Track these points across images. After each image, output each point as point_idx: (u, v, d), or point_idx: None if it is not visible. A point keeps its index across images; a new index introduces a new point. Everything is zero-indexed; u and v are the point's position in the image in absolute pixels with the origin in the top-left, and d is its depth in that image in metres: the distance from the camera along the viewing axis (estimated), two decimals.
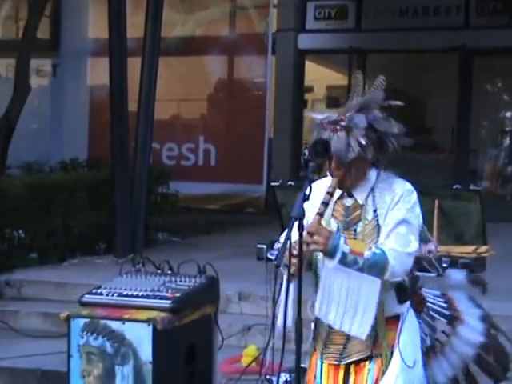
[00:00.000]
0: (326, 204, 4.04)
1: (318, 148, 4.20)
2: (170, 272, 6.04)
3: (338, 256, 3.96)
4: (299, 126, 15.70)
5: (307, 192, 3.97)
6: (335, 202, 4.19)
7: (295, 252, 3.93)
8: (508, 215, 13.04)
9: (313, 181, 4.12)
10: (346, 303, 4.09)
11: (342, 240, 3.97)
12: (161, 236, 11.97)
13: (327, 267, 4.03)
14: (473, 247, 8.24)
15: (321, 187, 4.17)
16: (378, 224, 4.15)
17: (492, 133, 15.35)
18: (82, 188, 11.15)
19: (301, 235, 3.93)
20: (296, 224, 3.92)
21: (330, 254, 3.96)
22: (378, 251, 4.02)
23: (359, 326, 4.13)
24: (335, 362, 4.24)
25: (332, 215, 4.18)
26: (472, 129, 14.66)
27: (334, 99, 16.20)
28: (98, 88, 16.43)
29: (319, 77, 16.50)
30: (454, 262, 8.00)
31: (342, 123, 4.02)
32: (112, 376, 5.47)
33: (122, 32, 10.78)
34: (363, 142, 4.00)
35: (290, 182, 5.27)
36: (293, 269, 3.94)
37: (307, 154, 4.13)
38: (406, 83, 16.13)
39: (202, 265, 6.00)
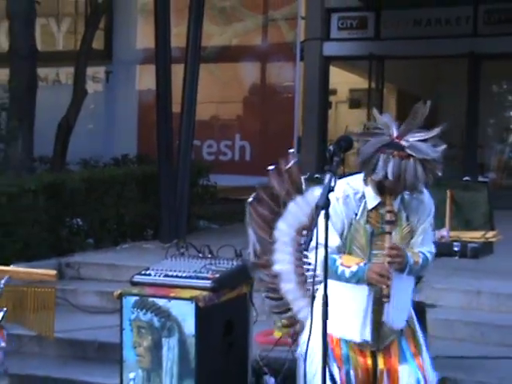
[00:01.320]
0: (391, 222, 4.02)
1: (342, 144, 4.14)
2: (210, 255, 6.04)
3: (408, 269, 4.05)
4: (325, 125, 15.71)
5: (332, 184, 3.92)
6: (370, 210, 4.13)
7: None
8: None
9: (337, 174, 4.08)
10: (398, 303, 4.10)
11: (409, 256, 4.04)
12: (201, 223, 11.97)
13: (396, 279, 4.02)
14: (481, 233, 8.20)
15: (347, 197, 4.14)
16: (411, 229, 4.16)
17: (498, 130, 15.27)
18: (132, 181, 11.16)
19: (326, 223, 3.89)
20: (322, 212, 3.91)
21: (403, 269, 4.04)
22: (424, 256, 4.14)
23: (403, 319, 4.22)
24: (373, 349, 4.21)
25: (367, 221, 4.12)
26: (480, 126, 14.57)
27: (355, 101, 16.18)
28: (145, 92, 16.46)
29: (342, 81, 16.44)
30: (464, 246, 8.00)
31: (417, 153, 3.91)
32: (159, 347, 5.47)
33: (166, 42, 10.79)
34: (439, 174, 3.99)
35: (316, 175, 5.24)
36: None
37: (332, 149, 4.08)
38: (421, 86, 16.08)
39: (239, 249, 6.00)
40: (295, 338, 5.14)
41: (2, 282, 4.40)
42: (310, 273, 4.84)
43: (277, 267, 5.02)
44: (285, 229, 5.04)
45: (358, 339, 4.13)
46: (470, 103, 14.23)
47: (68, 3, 18.25)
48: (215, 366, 5.54)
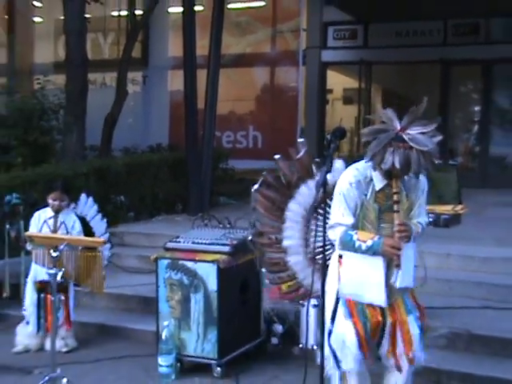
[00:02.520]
0: (398, 202, 4.02)
1: (338, 134, 4.16)
2: (228, 226, 6.06)
3: (413, 238, 4.09)
4: (323, 119, 15.66)
5: (329, 166, 3.96)
6: (377, 191, 4.12)
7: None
8: (477, 183, 12.89)
9: (333, 158, 4.09)
10: (406, 267, 4.09)
11: (413, 229, 4.08)
12: (222, 199, 11.94)
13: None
14: (451, 206, 8.20)
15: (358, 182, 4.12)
16: (410, 204, 4.16)
17: (464, 122, 15.17)
18: (165, 165, 11.15)
19: (324, 199, 3.91)
20: (321, 190, 3.93)
21: (409, 240, 4.07)
22: (421, 225, 4.19)
23: (410, 280, 4.21)
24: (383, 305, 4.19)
25: (375, 201, 4.11)
26: (450, 119, 14.47)
27: (348, 98, 16.14)
28: (175, 92, 16.40)
29: (337, 82, 16.35)
30: (438, 217, 8.00)
31: (419, 145, 3.88)
32: (188, 300, 5.50)
33: (192, 51, 10.77)
34: (436, 162, 3.99)
35: (316, 159, 5.20)
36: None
37: (329, 138, 4.09)
38: (401, 86, 15.97)
39: (253, 221, 6.00)
40: (299, 297, 5.15)
41: (61, 247, 4.43)
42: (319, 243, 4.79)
43: (286, 243, 4.93)
44: (296, 209, 4.97)
45: (375, 303, 4.11)
46: (441, 100, 14.08)
47: (112, 21, 18.21)
48: (234, 316, 5.56)
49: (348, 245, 4.09)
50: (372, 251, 4.03)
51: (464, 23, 14.22)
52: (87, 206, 6.52)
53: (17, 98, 12.00)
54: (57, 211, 6.05)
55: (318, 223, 4.29)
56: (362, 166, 4.15)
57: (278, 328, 5.95)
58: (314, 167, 4.96)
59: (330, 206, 4.30)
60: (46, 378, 4.29)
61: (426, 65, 14.44)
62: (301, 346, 5.72)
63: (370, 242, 4.03)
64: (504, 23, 14.24)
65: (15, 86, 15.82)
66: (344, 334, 4.18)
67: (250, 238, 5.31)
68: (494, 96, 14.69)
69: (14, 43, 20.01)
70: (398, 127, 3.92)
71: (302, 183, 5.02)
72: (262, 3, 17.25)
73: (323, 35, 15.52)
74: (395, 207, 4.02)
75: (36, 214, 6.15)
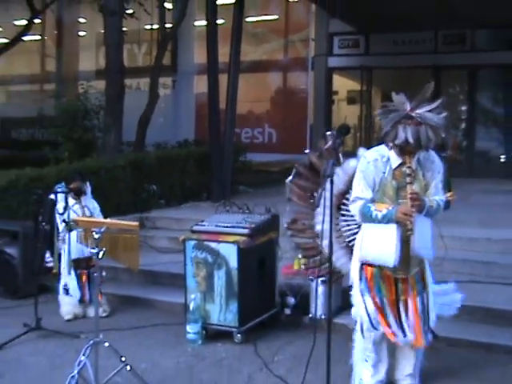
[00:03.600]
0: (410, 175, 3.97)
1: (343, 130, 4.15)
2: (247, 211, 6.03)
3: (425, 210, 3.99)
4: (329, 117, 15.63)
5: (336, 159, 3.94)
6: (394, 168, 4.08)
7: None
8: (463, 173, 12.87)
9: (339, 151, 4.06)
10: (421, 236, 4.02)
11: (426, 201, 3.99)
12: (241, 188, 11.92)
13: (417, 218, 3.96)
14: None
15: (376, 160, 4.09)
16: (426, 182, 4.11)
17: (453, 120, 15.04)
18: (191, 158, 11.16)
19: (331, 188, 3.87)
20: (328, 180, 3.89)
21: (421, 210, 3.97)
22: (437, 202, 4.07)
23: (428, 251, 4.13)
24: (403, 276, 4.14)
25: (393, 178, 4.07)
26: None
27: (351, 99, 16.11)
28: (200, 95, 16.43)
29: (342, 84, 16.27)
30: None
31: (427, 120, 3.88)
32: (212, 276, 5.49)
33: (215, 59, 10.78)
34: (443, 135, 3.95)
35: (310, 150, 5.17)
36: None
37: (335, 134, 4.09)
38: (398, 88, 15.79)
39: (268, 206, 5.99)
40: (317, 274, 5.10)
41: (102, 230, 4.42)
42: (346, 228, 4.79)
43: (318, 227, 4.81)
44: (327, 196, 4.94)
45: (390, 264, 4.02)
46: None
47: (145, 33, 18.26)
48: (252, 290, 5.55)
49: (367, 215, 4.05)
50: (387, 219, 3.98)
51: (452, 34, 14.19)
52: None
53: (64, 101, 12.04)
54: (79, 196, 6.19)
55: (346, 208, 4.27)
56: (379, 148, 4.14)
57: (291, 300, 5.93)
58: (340, 156, 4.88)
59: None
60: (91, 341, 4.30)
61: (420, 70, 14.32)
62: (310, 315, 5.71)
63: (385, 211, 3.99)
64: (487, 34, 14.28)
65: (62, 91, 15.88)
66: (363, 308, 4.19)
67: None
68: (478, 97, 14.68)
69: (61, 54, 20.22)
70: (409, 108, 3.93)
71: None
72: (276, 16, 17.31)
73: (329, 44, 15.51)
74: (408, 179, 3.97)
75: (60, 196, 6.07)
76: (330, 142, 4.80)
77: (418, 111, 3.90)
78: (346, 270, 4.70)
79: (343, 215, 4.81)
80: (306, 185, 5.06)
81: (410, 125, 3.86)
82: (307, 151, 5.22)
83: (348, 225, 4.82)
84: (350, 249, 4.68)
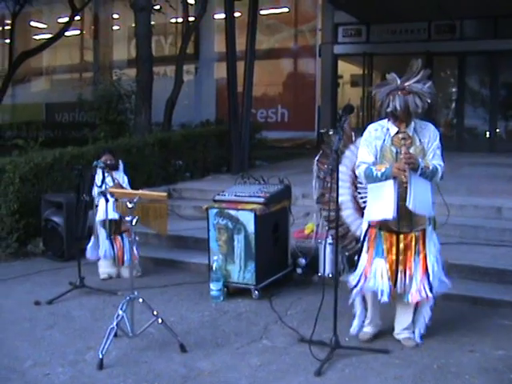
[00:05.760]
0: (405, 138, 3.99)
1: (347, 110, 4.11)
2: (263, 182, 5.99)
3: (420, 170, 3.90)
4: (335, 98, 15.60)
5: (341, 136, 3.91)
6: (392, 136, 4.05)
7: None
8: (454, 147, 12.85)
9: (344, 128, 4.01)
10: (417, 194, 3.91)
11: (420, 161, 3.91)
12: (257, 162, 11.88)
13: (413, 176, 3.89)
14: None
15: (376, 130, 4.09)
16: (423, 148, 4.04)
17: (444, 100, 14.92)
18: (213, 136, 11.13)
19: (337, 161, 3.82)
20: (334, 153, 3.84)
21: (416, 169, 3.88)
22: (433, 165, 3.99)
23: (425, 209, 4.02)
24: (407, 230, 4.06)
25: (392, 143, 4.05)
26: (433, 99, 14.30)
27: (354, 82, 16.09)
28: (220, 80, 16.39)
29: (346, 69, 16.18)
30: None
31: (413, 89, 3.90)
32: (232, 240, 5.46)
33: (233, 47, 10.69)
34: (429, 101, 3.94)
35: (330, 130, 5.11)
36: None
37: (341, 113, 4.05)
38: (395, 72, 15.65)
39: (282, 178, 5.94)
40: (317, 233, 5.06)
41: (135, 200, 4.40)
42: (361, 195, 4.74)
43: (339, 199, 4.70)
44: (344, 170, 4.88)
45: (390, 216, 3.93)
46: None
47: (171, 26, 18.20)
48: (267, 252, 5.52)
49: (369, 176, 4.02)
50: (385, 176, 3.94)
51: (444, 24, 14.13)
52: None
53: (100, 88, 11.99)
54: (110, 169, 6.14)
55: (360, 181, 4.27)
56: (379, 121, 4.15)
57: (302, 261, 5.90)
58: (353, 134, 4.86)
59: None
60: (127, 298, 4.31)
61: (414, 56, 13.88)
62: (319, 274, 5.69)
63: (383, 169, 3.96)
64: (475, 24, 14.27)
65: (99, 79, 15.83)
66: (366, 266, 4.14)
67: (315, 198, 5.25)
68: (467, 80, 14.61)
69: (98, 46, 20.29)
70: (399, 82, 3.97)
71: (345, 149, 4.93)
72: (286, 9, 17.19)
73: (334, 33, 15.48)
74: (402, 142, 3.98)
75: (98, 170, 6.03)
76: (345, 124, 4.76)
77: (406, 83, 3.94)
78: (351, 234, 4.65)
79: (357, 188, 4.82)
80: (327, 162, 5.02)
81: (399, 95, 3.90)
82: (322, 131, 5.20)
83: (362, 197, 4.78)
84: None
